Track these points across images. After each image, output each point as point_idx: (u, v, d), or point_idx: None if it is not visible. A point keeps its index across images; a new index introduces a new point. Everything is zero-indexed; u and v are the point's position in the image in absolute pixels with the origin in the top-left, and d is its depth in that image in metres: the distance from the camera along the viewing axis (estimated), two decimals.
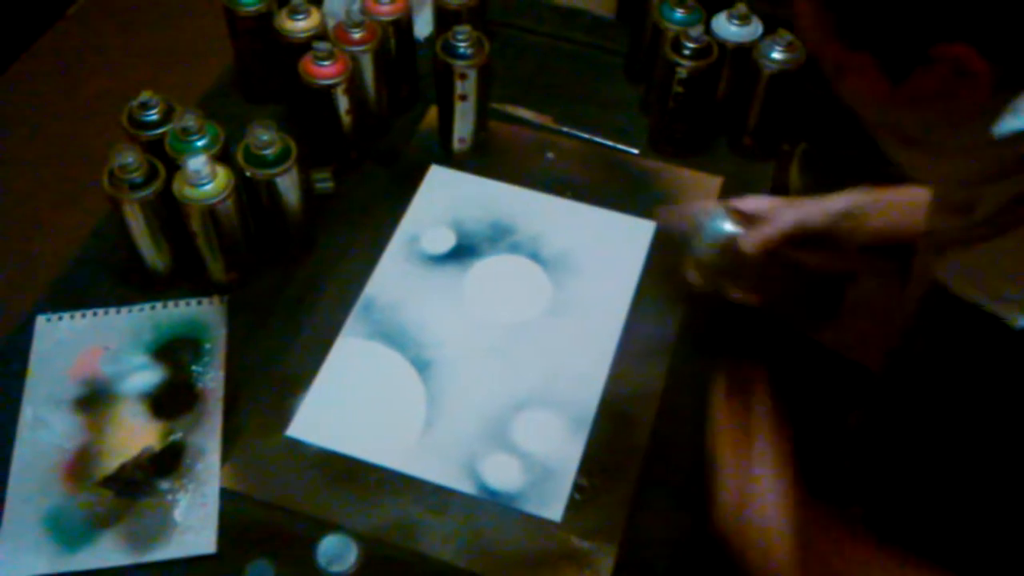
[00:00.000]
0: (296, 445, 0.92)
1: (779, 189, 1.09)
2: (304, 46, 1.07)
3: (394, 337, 1.00)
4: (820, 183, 0.98)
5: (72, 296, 1.03)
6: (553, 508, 0.88)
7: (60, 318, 1.00)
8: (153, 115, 1.01)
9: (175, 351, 0.98)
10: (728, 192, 1.12)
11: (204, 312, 1.01)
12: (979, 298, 0.62)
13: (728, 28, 1.13)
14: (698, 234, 0.95)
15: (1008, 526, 0.61)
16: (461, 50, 1.08)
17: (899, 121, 0.62)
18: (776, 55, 1.08)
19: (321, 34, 1.10)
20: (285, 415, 0.94)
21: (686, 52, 1.08)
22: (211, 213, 0.95)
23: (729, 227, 0.93)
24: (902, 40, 0.56)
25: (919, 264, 0.71)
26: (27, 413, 0.93)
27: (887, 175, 0.78)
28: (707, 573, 0.86)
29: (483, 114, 1.15)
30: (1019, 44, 0.54)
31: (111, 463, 0.90)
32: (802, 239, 0.91)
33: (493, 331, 1.01)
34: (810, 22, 0.59)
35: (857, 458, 0.74)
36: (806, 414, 0.86)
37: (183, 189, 0.94)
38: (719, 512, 0.71)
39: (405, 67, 1.20)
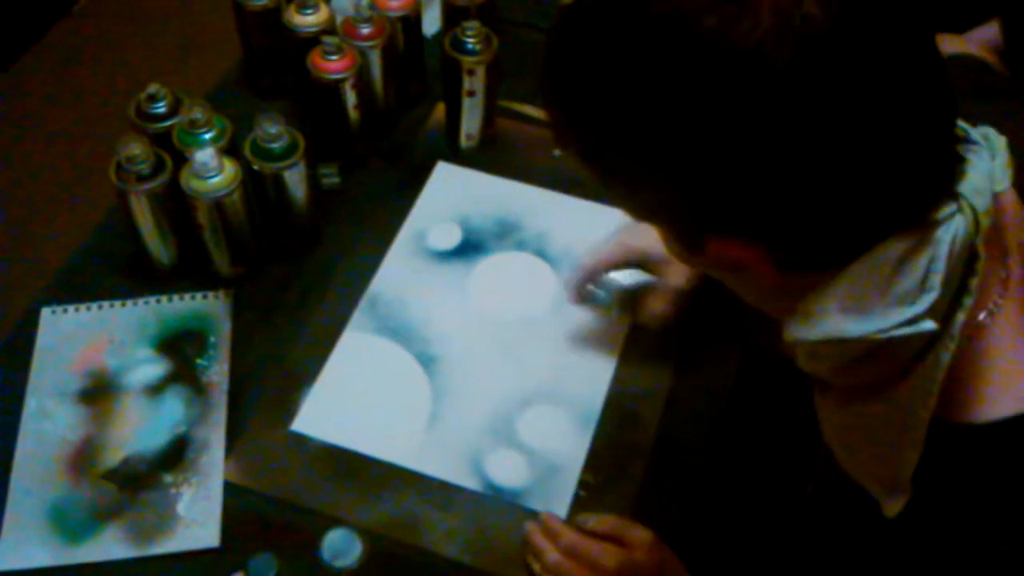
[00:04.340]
0: (301, 439, 0.92)
1: None
2: (312, 41, 1.07)
3: (400, 332, 1.00)
4: None
5: (77, 288, 1.02)
6: (558, 505, 0.88)
7: (65, 310, 1.00)
8: (161, 107, 1.01)
9: (180, 344, 0.98)
10: None
11: (209, 305, 1.01)
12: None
13: None
14: (604, 288, 0.97)
15: None
16: (469, 46, 1.07)
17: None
18: None
19: (329, 29, 1.10)
20: (290, 409, 0.94)
21: None
22: (218, 206, 0.95)
23: (630, 279, 0.95)
24: (681, 223, 0.58)
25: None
26: (31, 405, 0.93)
27: None
28: (711, 570, 0.85)
29: (491, 111, 1.15)
30: (797, 235, 0.54)
31: (115, 456, 0.90)
32: None
33: (499, 328, 1.01)
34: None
35: (813, 528, 0.74)
36: (764, 484, 0.86)
37: (190, 181, 0.94)
38: None
39: (413, 63, 1.20)
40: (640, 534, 0.81)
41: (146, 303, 1.01)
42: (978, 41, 1.27)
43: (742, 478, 0.95)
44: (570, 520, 0.86)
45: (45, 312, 1.00)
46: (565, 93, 0.57)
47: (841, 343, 0.56)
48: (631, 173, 0.56)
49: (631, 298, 0.94)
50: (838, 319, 0.55)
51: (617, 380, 0.96)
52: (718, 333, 1.01)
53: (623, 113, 0.52)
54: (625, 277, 0.93)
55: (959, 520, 0.59)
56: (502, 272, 1.06)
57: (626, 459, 0.91)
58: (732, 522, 0.90)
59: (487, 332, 1.00)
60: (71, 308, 1.00)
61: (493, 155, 1.17)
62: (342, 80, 1.05)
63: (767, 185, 0.50)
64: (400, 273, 1.05)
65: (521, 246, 1.08)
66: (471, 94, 1.11)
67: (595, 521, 0.84)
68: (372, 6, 1.12)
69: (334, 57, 1.05)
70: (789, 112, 0.48)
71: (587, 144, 0.57)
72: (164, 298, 1.01)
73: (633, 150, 0.54)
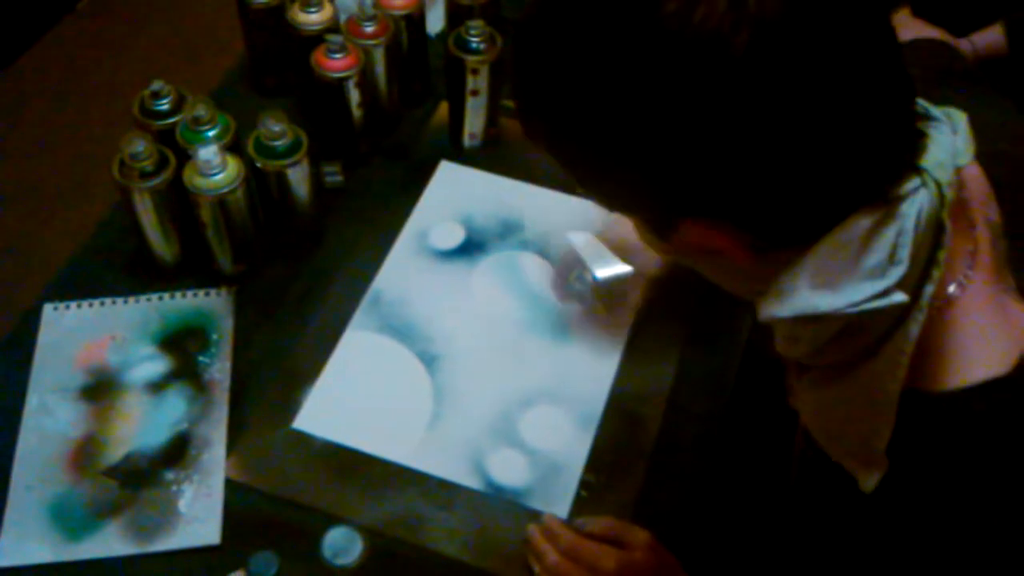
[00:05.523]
0: (302, 437, 0.92)
1: None
2: (316, 39, 1.07)
3: (402, 331, 1.00)
4: None
5: (80, 285, 1.02)
6: (559, 505, 0.88)
7: (67, 307, 1.00)
8: (164, 104, 1.01)
9: (182, 342, 0.98)
10: None
11: (212, 303, 1.01)
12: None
13: None
14: (583, 282, 0.98)
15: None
16: (473, 45, 1.07)
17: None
18: None
19: (333, 27, 1.10)
20: (292, 407, 0.94)
21: None
22: (221, 203, 0.95)
23: (608, 272, 0.95)
24: (652, 209, 0.59)
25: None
26: (33, 401, 0.93)
27: None
28: (710, 571, 0.85)
29: (494, 110, 1.15)
30: (765, 213, 0.54)
31: (116, 452, 0.90)
32: None
33: (501, 327, 1.01)
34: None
35: (798, 513, 0.74)
36: (763, 484, 0.86)
37: (193, 179, 0.94)
38: None
39: (417, 62, 1.20)
40: (638, 535, 0.81)
41: (148, 300, 1.01)
42: (981, 44, 1.27)
43: (742, 479, 0.95)
44: (571, 521, 0.86)
45: (47, 309, 1.00)
46: (531, 81, 0.57)
47: (815, 320, 0.56)
48: (599, 160, 0.56)
49: (610, 289, 0.95)
50: (809, 295, 0.56)
51: (619, 380, 0.96)
52: (719, 334, 1.01)
53: (588, 99, 0.53)
54: (603, 269, 0.95)
55: (933, 487, 0.60)
56: (504, 272, 1.06)
57: (627, 459, 0.91)
58: (732, 523, 0.90)
59: (489, 331, 1.00)
60: (73, 305, 1.00)
61: (496, 154, 1.17)
62: (345, 79, 1.05)
63: (732, 167, 0.51)
64: (402, 272, 1.05)
65: (524, 246, 1.08)
66: (475, 93, 1.11)
67: (593, 524, 0.84)
68: (376, 4, 1.12)
69: (338, 55, 1.05)
70: (749, 96, 0.49)
71: (555, 134, 0.58)
72: (166, 295, 1.01)
73: (600, 136, 0.54)
